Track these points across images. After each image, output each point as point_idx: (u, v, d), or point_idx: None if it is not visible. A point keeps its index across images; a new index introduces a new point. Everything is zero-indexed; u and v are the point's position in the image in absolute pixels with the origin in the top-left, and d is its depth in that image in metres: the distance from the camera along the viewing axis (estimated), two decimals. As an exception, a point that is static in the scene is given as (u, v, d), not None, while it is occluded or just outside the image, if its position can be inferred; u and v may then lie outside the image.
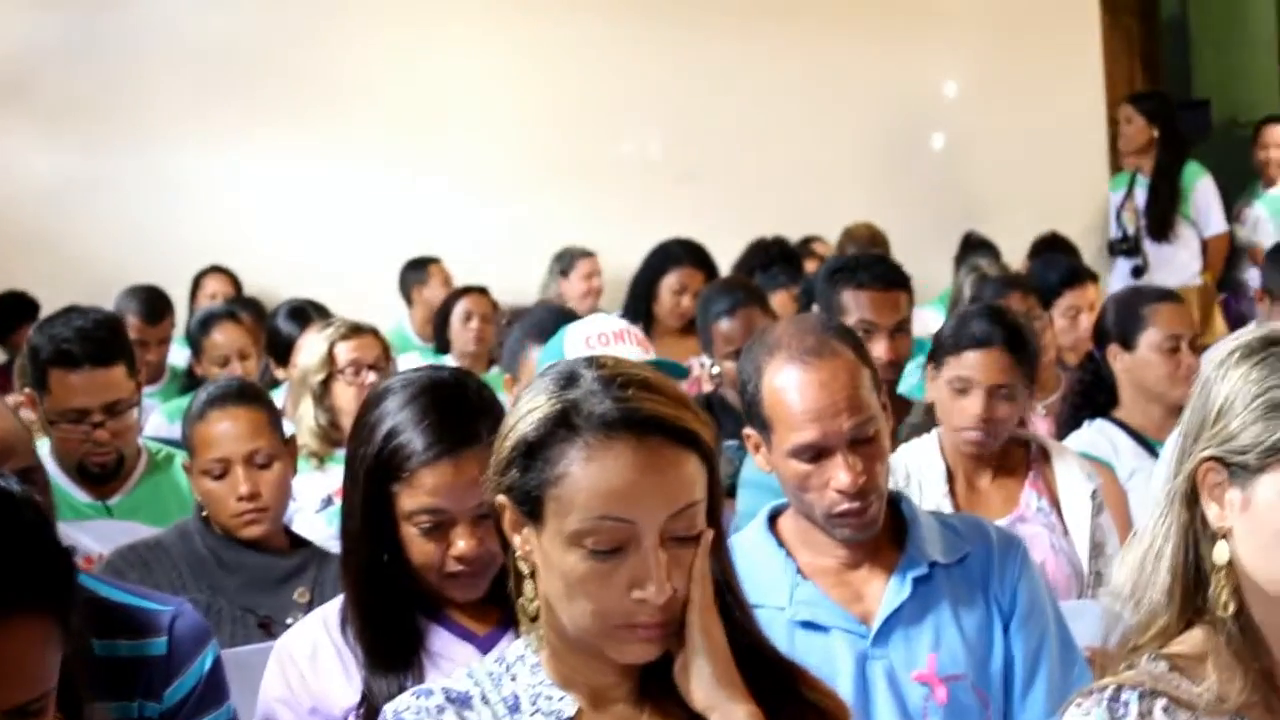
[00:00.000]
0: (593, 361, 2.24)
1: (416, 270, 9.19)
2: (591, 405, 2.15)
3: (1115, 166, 10.26)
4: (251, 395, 4.19)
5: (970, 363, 4.26)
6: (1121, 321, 5.03)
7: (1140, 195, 9.54)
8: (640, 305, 7.27)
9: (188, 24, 9.73)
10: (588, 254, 9.40)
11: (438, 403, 2.90)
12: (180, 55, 9.69)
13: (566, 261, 9.40)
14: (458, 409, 2.90)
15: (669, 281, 7.18)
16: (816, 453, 3.09)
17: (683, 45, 10.00)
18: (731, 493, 4.69)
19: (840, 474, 3.06)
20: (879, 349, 4.79)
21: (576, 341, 4.15)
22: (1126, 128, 9.59)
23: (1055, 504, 4.26)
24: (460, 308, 7.92)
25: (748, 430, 3.26)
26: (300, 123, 9.75)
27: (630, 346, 4.15)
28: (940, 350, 4.36)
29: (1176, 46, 12.60)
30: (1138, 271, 9.44)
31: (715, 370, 5.66)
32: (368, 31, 9.84)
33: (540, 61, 9.96)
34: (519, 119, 9.95)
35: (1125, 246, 9.51)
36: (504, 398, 5.20)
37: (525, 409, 2.20)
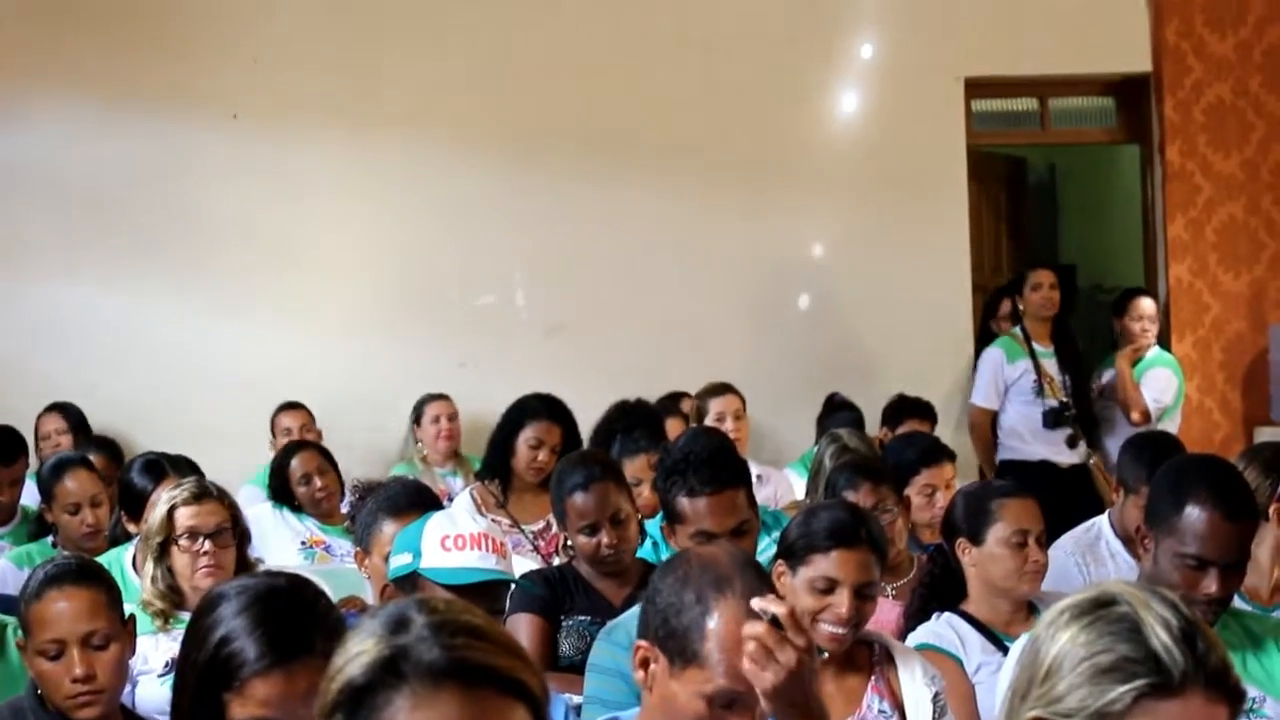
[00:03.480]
0: (424, 605, 2.20)
1: (281, 414, 9.17)
2: (420, 652, 2.10)
3: (979, 332, 10.34)
4: (90, 574, 4.13)
5: (836, 562, 4.27)
6: (970, 516, 5.06)
7: (1049, 365, 9.61)
8: (497, 459, 7.23)
9: (53, 160, 9.76)
10: (437, 396, 9.43)
11: (272, 611, 2.88)
12: (43, 190, 9.71)
13: (417, 410, 9.43)
14: (292, 618, 2.88)
15: (526, 436, 7.14)
16: (730, 703, 3.06)
17: (552, 195, 10.04)
18: (580, 669, 4.68)
19: None
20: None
21: (433, 539, 4.16)
22: (1042, 294, 9.66)
23: (898, 706, 4.26)
24: (296, 466, 7.88)
25: (643, 644, 3.16)
26: (161, 263, 9.81)
27: (485, 554, 4.14)
28: (797, 548, 4.35)
29: (1043, 213, 12.80)
30: (1072, 441, 9.50)
31: (568, 543, 5.64)
32: (229, 174, 9.86)
33: (406, 208, 10.00)
34: (381, 266, 10.01)
35: (1069, 416, 9.57)
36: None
37: (354, 650, 2.16)
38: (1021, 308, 9.70)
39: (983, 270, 10.70)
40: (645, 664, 3.17)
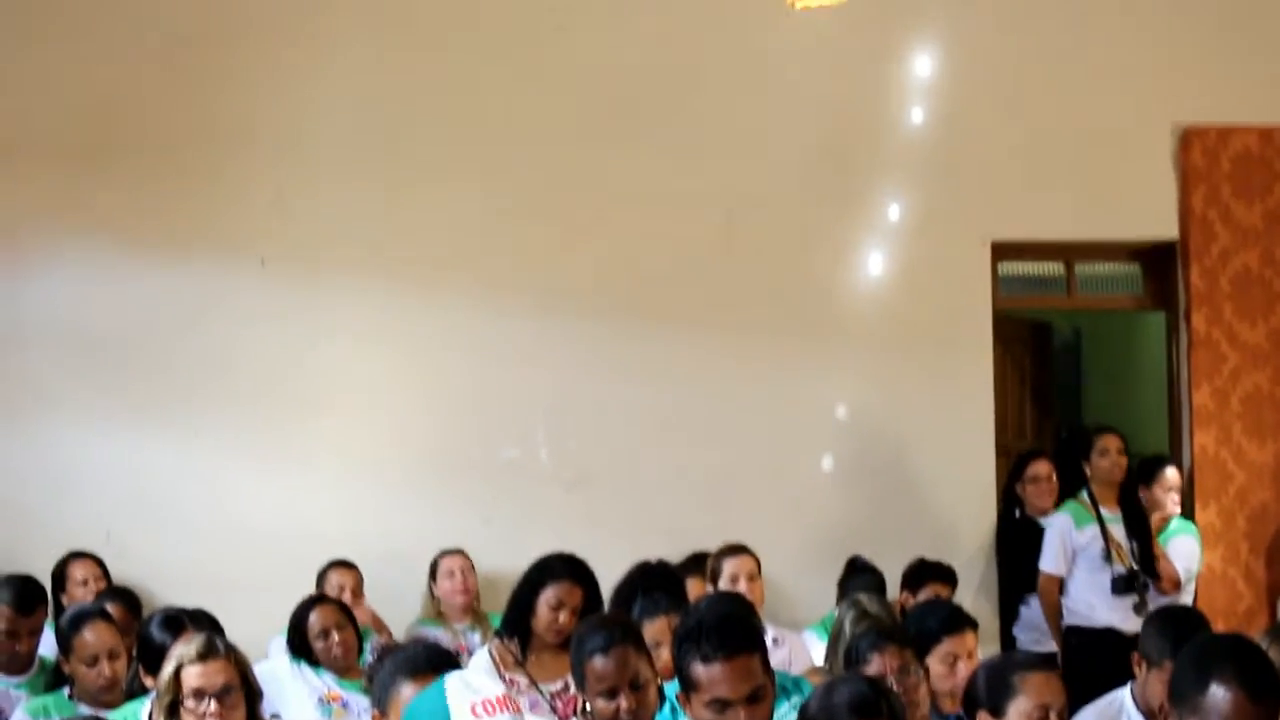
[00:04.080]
0: None
1: (324, 574, 9.16)
2: None
3: (1000, 497, 10.32)
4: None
5: None
6: (991, 689, 5.02)
7: (1117, 530, 9.56)
8: (517, 619, 7.17)
9: (77, 305, 9.82)
10: (452, 551, 9.40)
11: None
12: (67, 336, 9.77)
13: (434, 564, 9.40)
14: None
15: (546, 596, 7.06)
16: None
17: (577, 347, 10.09)
18: None
19: None
20: (739, 721, 4.74)
21: (461, 707, 4.08)
22: (1110, 459, 9.64)
23: None
24: (314, 621, 7.86)
25: None
26: (183, 410, 9.84)
27: (513, 715, 4.09)
28: None
29: (1068, 377, 12.79)
30: (1139, 608, 9.41)
31: (587, 707, 5.60)
32: (254, 324, 9.92)
33: (431, 359, 10.03)
34: (406, 417, 10.02)
35: (1139, 584, 9.51)
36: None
37: None
38: (1089, 471, 9.66)
39: (1005, 433, 10.68)
40: None
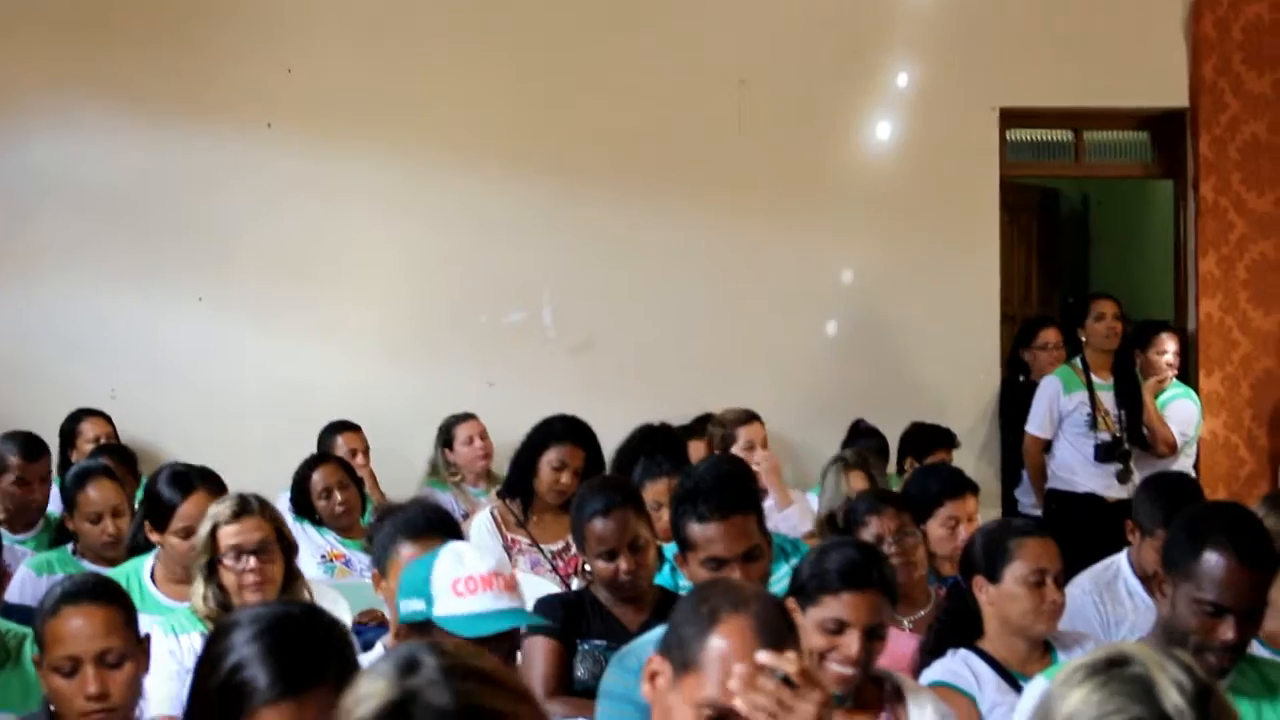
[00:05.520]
0: (435, 648, 2.22)
1: (329, 436, 9.17)
2: (430, 696, 2.12)
3: (1006, 361, 10.35)
4: (106, 592, 4.13)
5: (846, 604, 4.28)
6: (988, 554, 5.04)
7: (1106, 398, 9.60)
8: (519, 479, 7.22)
9: (85, 168, 9.78)
10: (466, 417, 9.41)
11: (285, 640, 2.88)
12: (73, 198, 9.77)
13: (447, 432, 9.41)
14: (305, 647, 2.88)
15: (549, 458, 7.11)
16: (721, 717, 3.08)
17: (585, 215, 10.08)
18: (595, 694, 4.68)
19: None
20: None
21: (444, 583, 4.09)
22: (1105, 324, 9.65)
23: (908, 744, 4.26)
24: (317, 480, 7.91)
25: (655, 657, 3.24)
26: (191, 272, 9.85)
27: (498, 593, 4.10)
28: (809, 588, 4.35)
29: (1075, 245, 12.77)
30: (1123, 476, 9.46)
31: (586, 567, 5.65)
32: (263, 189, 9.90)
33: (438, 224, 10.03)
34: (412, 281, 10.03)
35: (1121, 451, 9.55)
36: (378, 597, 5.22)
37: (364, 692, 2.18)
38: (1084, 337, 9.67)
39: (1012, 299, 10.69)
40: (653, 677, 3.20)
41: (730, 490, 5.13)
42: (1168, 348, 9.91)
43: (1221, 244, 10.47)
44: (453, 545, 4.22)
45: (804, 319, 10.26)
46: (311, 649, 2.87)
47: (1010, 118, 10.51)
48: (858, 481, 7.08)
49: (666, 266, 10.13)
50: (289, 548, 5.44)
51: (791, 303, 10.20)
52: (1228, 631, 4.26)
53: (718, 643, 3.12)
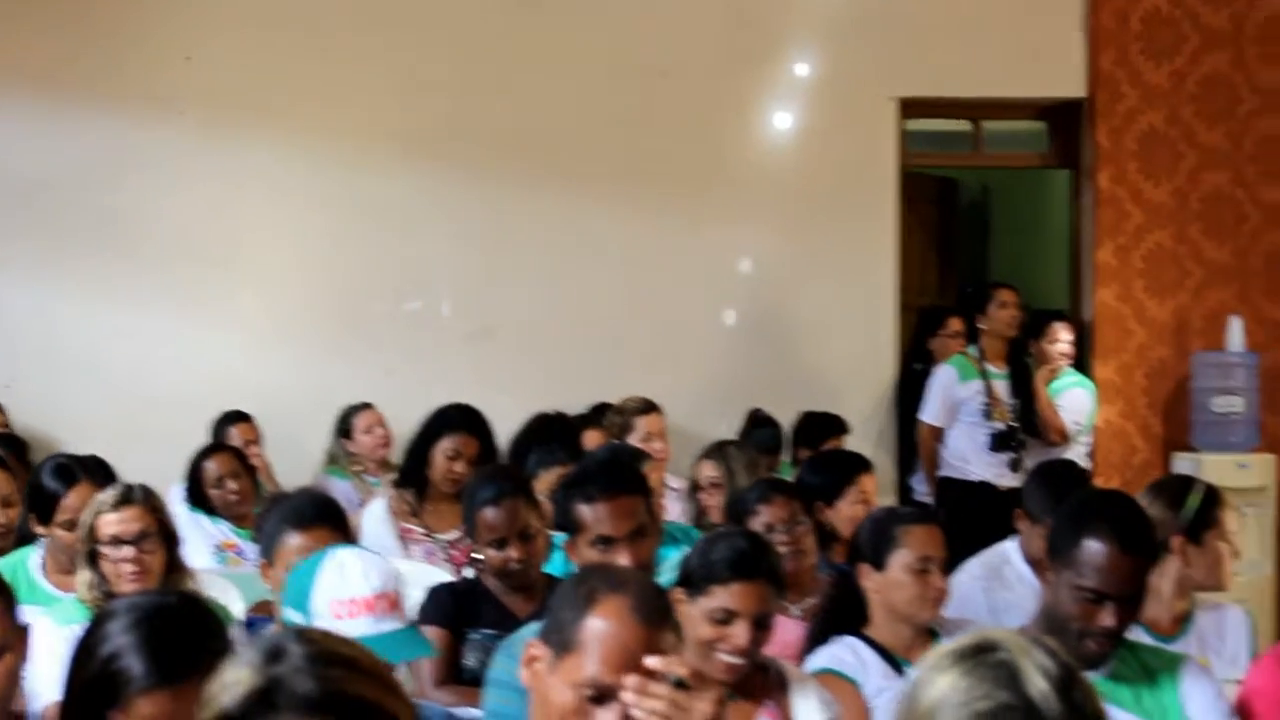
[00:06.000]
0: (301, 636, 2.22)
1: (222, 426, 9.13)
2: (295, 684, 2.12)
3: (908, 350, 10.40)
4: (-17, 582, 4.09)
5: (735, 594, 4.29)
6: (873, 541, 5.06)
7: (1000, 387, 9.66)
8: (414, 469, 7.21)
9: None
10: (363, 406, 9.40)
11: (161, 630, 2.87)
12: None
13: (346, 421, 9.40)
14: (181, 637, 2.88)
15: (443, 446, 7.10)
16: (601, 697, 3.09)
17: (484, 205, 10.06)
18: (481, 683, 4.67)
19: None
20: (622, 559, 4.83)
21: (323, 603, 3.92)
22: (1009, 312, 9.74)
23: (792, 731, 4.28)
24: (210, 469, 7.88)
25: (533, 641, 3.25)
26: (89, 259, 9.78)
27: (379, 618, 3.92)
28: (695, 578, 4.36)
29: (975, 234, 12.84)
30: (1015, 465, 9.52)
31: (477, 556, 5.65)
32: (167, 178, 9.82)
33: (340, 214, 9.98)
34: (309, 273, 10.00)
35: (1015, 440, 9.62)
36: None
37: (229, 679, 2.17)
38: (983, 325, 9.74)
39: (910, 290, 10.73)
40: (531, 662, 3.22)
41: (617, 472, 5.21)
42: (1061, 337, 10.00)
43: (1118, 233, 10.55)
44: (338, 556, 4.03)
45: (703, 308, 10.28)
46: (187, 638, 2.87)
47: (909, 108, 10.54)
48: (708, 470, 7.10)
49: (566, 256, 10.13)
50: (171, 538, 5.41)
51: (690, 292, 10.22)
52: (1108, 618, 4.31)
53: (596, 623, 3.12)
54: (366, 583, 3.94)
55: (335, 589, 3.91)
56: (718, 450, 7.23)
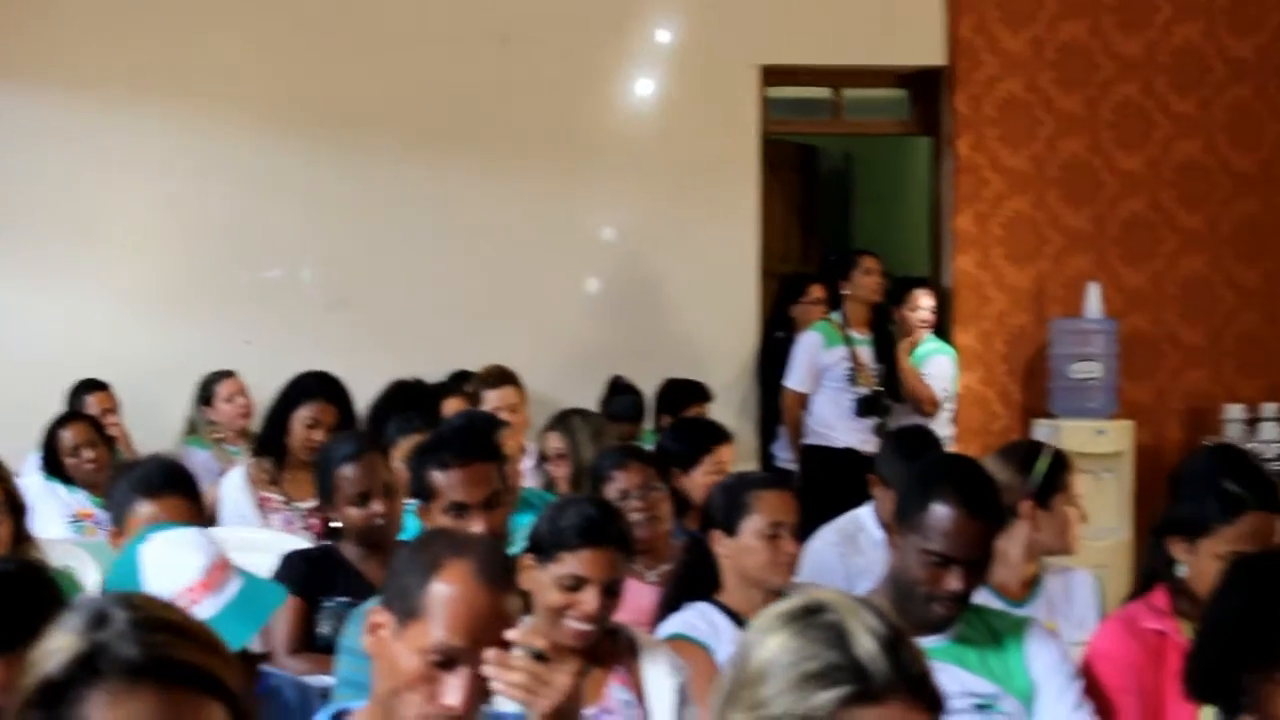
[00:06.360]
0: (126, 601, 2.19)
1: (78, 395, 9.03)
2: (119, 649, 2.10)
3: (770, 318, 10.44)
4: None
5: (584, 560, 4.28)
6: (725, 507, 5.08)
7: (864, 353, 9.73)
8: (273, 437, 7.19)
9: None
10: (224, 375, 9.36)
11: (-3, 598, 2.86)
12: None
13: (207, 390, 9.34)
14: (16, 606, 2.86)
15: (301, 414, 7.09)
16: (449, 661, 3.09)
17: (344, 175, 10.01)
18: (334, 650, 4.67)
19: (453, 690, 3.07)
20: (475, 526, 4.84)
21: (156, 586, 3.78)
22: (874, 279, 9.81)
23: (641, 697, 4.30)
24: (66, 438, 7.82)
25: (376, 608, 3.23)
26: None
27: (217, 591, 3.85)
28: (545, 545, 4.36)
29: (837, 202, 12.91)
30: (880, 430, 9.55)
31: (331, 524, 5.63)
32: (22, 147, 9.70)
33: (198, 184, 9.90)
34: (167, 241, 9.92)
35: (881, 405, 9.68)
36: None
37: (52, 645, 2.15)
38: (847, 291, 9.80)
39: (772, 257, 10.77)
40: (375, 629, 3.19)
41: (471, 439, 5.21)
42: (922, 304, 10.07)
43: (977, 200, 10.63)
44: (152, 553, 3.90)
45: (564, 276, 10.28)
46: (24, 606, 2.85)
47: (770, 75, 10.56)
48: (554, 441, 7.13)
49: (426, 224, 10.10)
50: (18, 509, 5.36)
51: (552, 260, 10.21)
52: (954, 581, 4.36)
53: (440, 588, 3.10)
54: (194, 566, 3.87)
55: (167, 584, 3.80)
56: (561, 421, 7.25)
